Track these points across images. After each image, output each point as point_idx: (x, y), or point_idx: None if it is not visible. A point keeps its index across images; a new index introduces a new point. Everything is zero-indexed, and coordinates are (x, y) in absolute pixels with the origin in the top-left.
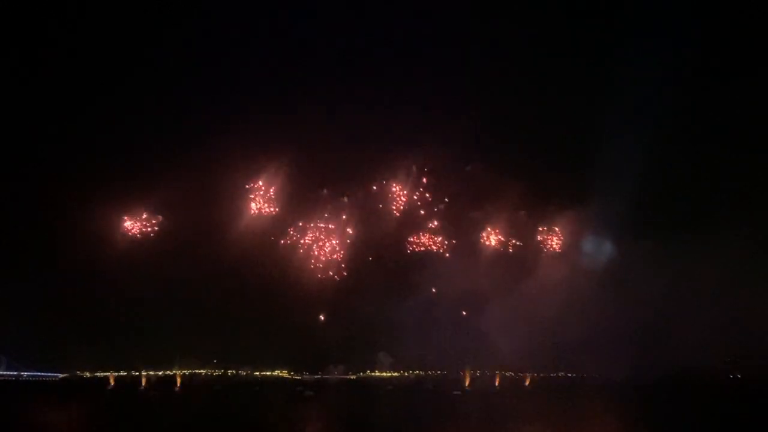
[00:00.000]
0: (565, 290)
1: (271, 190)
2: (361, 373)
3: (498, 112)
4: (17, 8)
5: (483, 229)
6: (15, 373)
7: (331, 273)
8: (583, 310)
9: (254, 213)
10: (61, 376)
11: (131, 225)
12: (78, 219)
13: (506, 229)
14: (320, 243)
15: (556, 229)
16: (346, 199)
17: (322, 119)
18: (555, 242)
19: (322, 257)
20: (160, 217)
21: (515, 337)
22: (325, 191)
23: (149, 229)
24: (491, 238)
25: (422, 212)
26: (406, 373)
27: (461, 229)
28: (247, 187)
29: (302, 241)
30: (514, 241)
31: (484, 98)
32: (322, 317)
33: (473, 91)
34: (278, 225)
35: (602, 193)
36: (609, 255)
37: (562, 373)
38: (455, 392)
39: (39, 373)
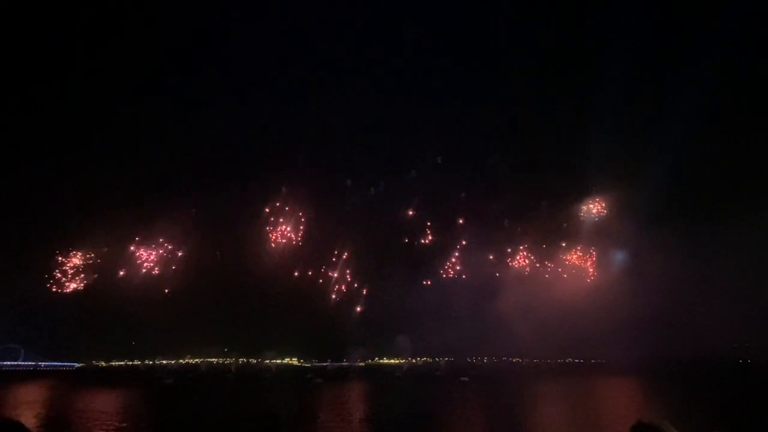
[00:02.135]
0: (585, 285)
1: (291, 223)
2: (370, 360)
3: (520, 107)
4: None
5: (503, 226)
6: (33, 363)
7: (354, 306)
8: (598, 300)
9: (274, 238)
10: (77, 365)
11: (147, 253)
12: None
13: (534, 239)
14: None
15: (582, 245)
16: (372, 190)
17: (340, 119)
18: (578, 254)
19: (343, 288)
20: (193, 211)
21: (532, 326)
22: (349, 182)
23: (167, 255)
24: (518, 258)
25: (443, 211)
26: (414, 360)
27: (482, 226)
28: (267, 210)
29: (322, 270)
30: (544, 262)
31: (505, 93)
32: (336, 310)
33: (492, 86)
34: (299, 253)
35: (622, 184)
36: (627, 253)
37: (570, 359)
38: (462, 378)
39: (55, 363)
